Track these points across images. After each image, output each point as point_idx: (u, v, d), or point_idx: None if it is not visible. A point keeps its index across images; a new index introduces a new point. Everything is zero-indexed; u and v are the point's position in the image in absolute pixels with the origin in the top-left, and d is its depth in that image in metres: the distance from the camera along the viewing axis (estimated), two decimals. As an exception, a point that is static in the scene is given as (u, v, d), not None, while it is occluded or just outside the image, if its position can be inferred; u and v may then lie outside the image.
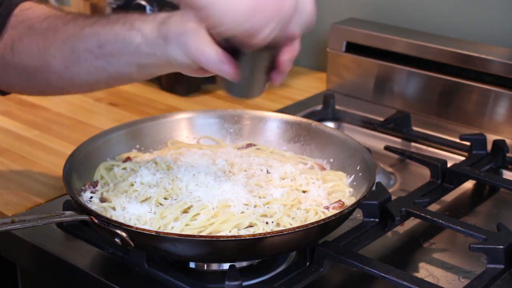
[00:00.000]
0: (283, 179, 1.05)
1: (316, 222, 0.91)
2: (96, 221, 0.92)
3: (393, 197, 1.10)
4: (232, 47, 0.88)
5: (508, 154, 1.27)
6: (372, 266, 0.94)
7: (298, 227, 0.90)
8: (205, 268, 1.00)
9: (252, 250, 0.92)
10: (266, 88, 0.95)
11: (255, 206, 0.97)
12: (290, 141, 1.18)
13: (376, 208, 1.06)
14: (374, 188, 1.03)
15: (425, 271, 1.01)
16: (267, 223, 0.94)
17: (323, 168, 1.12)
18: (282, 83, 1.66)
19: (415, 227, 1.11)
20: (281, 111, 1.45)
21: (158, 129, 1.17)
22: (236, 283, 0.90)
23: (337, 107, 1.46)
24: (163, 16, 0.93)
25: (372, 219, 1.07)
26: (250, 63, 0.90)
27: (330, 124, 1.43)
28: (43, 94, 1.17)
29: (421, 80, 1.47)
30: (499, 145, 1.26)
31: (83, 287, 1.01)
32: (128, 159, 1.11)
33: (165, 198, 0.99)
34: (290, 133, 1.18)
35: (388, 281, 0.93)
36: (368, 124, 1.41)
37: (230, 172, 1.06)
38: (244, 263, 0.99)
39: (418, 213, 1.07)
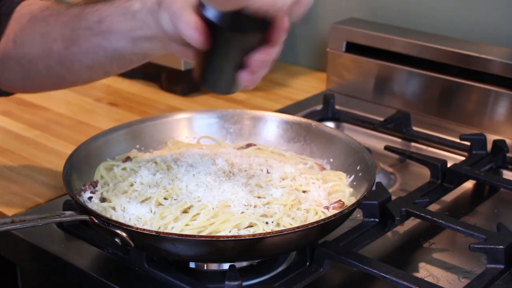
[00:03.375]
0: (283, 179, 1.05)
1: (316, 222, 0.91)
2: (96, 221, 0.92)
3: (393, 197, 1.10)
4: (210, 24, 0.87)
5: (508, 154, 1.26)
6: (372, 266, 0.94)
7: (298, 227, 0.90)
8: (205, 268, 1.00)
9: (252, 250, 0.92)
10: (238, 87, 0.93)
11: (255, 206, 0.97)
12: (290, 141, 1.18)
13: (376, 208, 1.06)
14: (374, 188, 1.03)
15: (425, 271, 1.01)
16: (267, 223, 0.94)
17: (323, 168, 1.12)
18: (282, 83, 1.68)
19: (415, 227, 1.11)
20: (281, 111, 1.45)
21: (158, 129, 1.17)
22: (236, 283, 0.90)
23: (337, 107, 1.46)
24: None
25: (372, 219, 1.07)
26: (223, 48, 0.88)
27: (330, 124, 1.43)
28: (41, 88, 1.15)
29: (421, 80, 1.47)
30: (499, 145, 1.26)
31: (83, 287, 1.01)
32: (128, 159, 1.11)
33: (165, 198, 0.99)
34: (290, 133, 1.18)
35: (388, 281, 0.93)
36: (368, 124, 1.41)
37: (230, 172, 1.05)
38: (244, 263, 0.99)
39: (418, 213, 1.07)
